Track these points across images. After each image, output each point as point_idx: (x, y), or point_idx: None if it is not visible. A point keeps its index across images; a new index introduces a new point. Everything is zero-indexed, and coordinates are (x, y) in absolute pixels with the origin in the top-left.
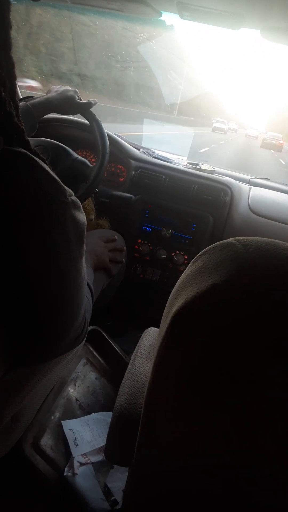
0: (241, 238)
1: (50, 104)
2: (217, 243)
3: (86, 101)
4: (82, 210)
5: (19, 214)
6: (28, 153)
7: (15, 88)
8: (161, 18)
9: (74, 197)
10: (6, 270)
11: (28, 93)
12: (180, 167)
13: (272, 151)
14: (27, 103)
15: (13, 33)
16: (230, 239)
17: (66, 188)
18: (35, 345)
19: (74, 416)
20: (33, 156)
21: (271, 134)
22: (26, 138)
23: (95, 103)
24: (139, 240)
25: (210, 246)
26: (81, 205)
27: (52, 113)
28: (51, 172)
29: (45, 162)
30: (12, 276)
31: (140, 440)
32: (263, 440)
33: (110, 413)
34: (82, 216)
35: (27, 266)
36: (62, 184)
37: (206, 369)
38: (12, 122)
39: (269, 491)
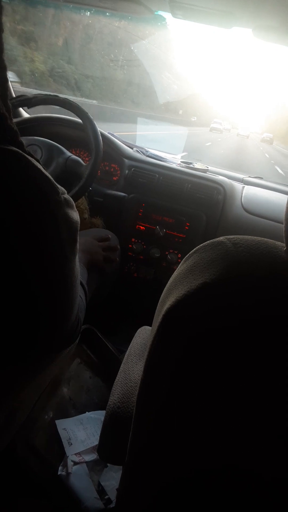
0: (232, 236)
1: None
2: (208, 241)
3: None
4: (75, 209)
5: (10, 211)
6: (21, 151)
7: (7, 91)
8: (159, 14)
9: (67, 196)
10: None
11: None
12: (173, 166)
13: (261, 148)
14: None
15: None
16: (221, 238)
17: (59, 186)
18: (27, 343)
19: (68, 415)
20: (25, 155)
21: (266, 134)
22: (19, 139)
23: None
24: (133, 239)
25: (201, 245)
26: (74, 204)
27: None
28: (43, 170)
29: (38, 162)
30: (3, 274)
31: (133, 438)
32: (255, 435)
33: (104, 412)
34: (75, 215)
35: (19, 264)
36: (55, 182)
37: (196, 366)
38: (6, 124)
39: (264, 490)
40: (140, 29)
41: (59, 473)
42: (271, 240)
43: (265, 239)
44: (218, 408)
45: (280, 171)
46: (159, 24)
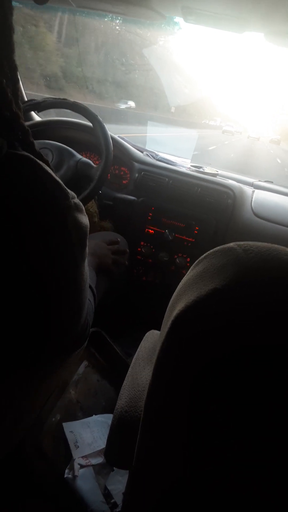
0: (242, 242)
1: None
2: (218, 247)
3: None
4: (85, 213)
5: (21, 216)
6: (32, 156)
7: (18, 91)
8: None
9: (76, 200)
10: (7, 272)
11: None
12: (183, 170)
13: (269, 147)
14: None
15: (17, 36)
16: (231, 244)
17: (69, 191)
18: (37, 346)
19: (75, 418)
20: (36, 159)
21: (275, 136)
22: (31, 139)
23: None
24: (142, 243)
25: (211, 251)
26: (83, 208)
27: (55, 116)
28: (54, 175)
29: (48, 165)
30: (13, 278)
31: (140, 443)
32: (265, 447)
33: (111, 415)
34: (84, 219)
35: (29, 269)
36: (65, 187)
37: (205, 373)
38: (19, 122)
39: (270, 498)
40: (152, 33)
41: (65, 476)
42: (282, 247)
43: (276, 245)
44: (226, 414)
45: (279, 161)
46: (169, 28)
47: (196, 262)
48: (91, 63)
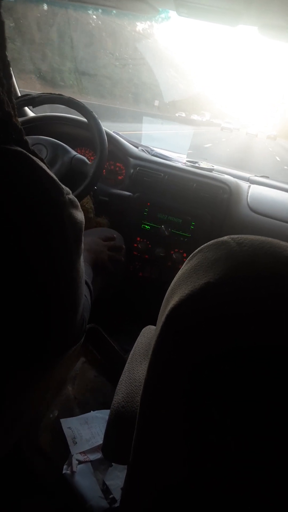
0: (236, 236)
1: None
2: (212, 241)
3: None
4: (80, 209)
5: (16, 213)
6: (25, 151)
7: (11, 87)
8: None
9: (71, 196)
10: (2, 269)
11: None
12: (179, 165)
13: (266, 143)
14: None
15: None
16: (225, 237)
17: (64, 186)
18: (32, 344)
19: (72, 414)
20: (30, 155)
21: (272, 133)
22: (24, 138)
23: None
24: (138, 238)
25: (205, 244)
26: (79, 204)
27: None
28: (48, 171)
29: (43, 162)
30: (8, 276)
31: (137, 438)
32: (262, 441)
33: (108, 411)
34: (80, 215)
35: (24, 265)
36: (60, 183)
37: (199, 367)
38: (11, 122)
39: (269, 494)
40: (146, 27)
41: (63, 472)
42: (276, 240)
43: (270, 238)
44: (222, 408)
45: (270, 149)
46: (162, 20)
47: (190, 256)
48: (32, 40)
